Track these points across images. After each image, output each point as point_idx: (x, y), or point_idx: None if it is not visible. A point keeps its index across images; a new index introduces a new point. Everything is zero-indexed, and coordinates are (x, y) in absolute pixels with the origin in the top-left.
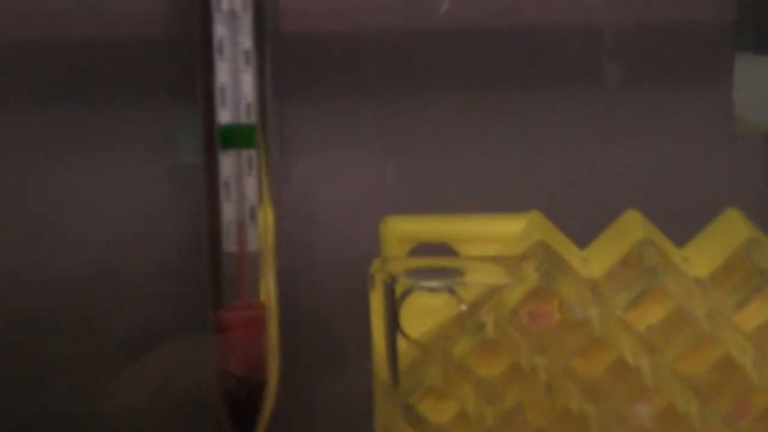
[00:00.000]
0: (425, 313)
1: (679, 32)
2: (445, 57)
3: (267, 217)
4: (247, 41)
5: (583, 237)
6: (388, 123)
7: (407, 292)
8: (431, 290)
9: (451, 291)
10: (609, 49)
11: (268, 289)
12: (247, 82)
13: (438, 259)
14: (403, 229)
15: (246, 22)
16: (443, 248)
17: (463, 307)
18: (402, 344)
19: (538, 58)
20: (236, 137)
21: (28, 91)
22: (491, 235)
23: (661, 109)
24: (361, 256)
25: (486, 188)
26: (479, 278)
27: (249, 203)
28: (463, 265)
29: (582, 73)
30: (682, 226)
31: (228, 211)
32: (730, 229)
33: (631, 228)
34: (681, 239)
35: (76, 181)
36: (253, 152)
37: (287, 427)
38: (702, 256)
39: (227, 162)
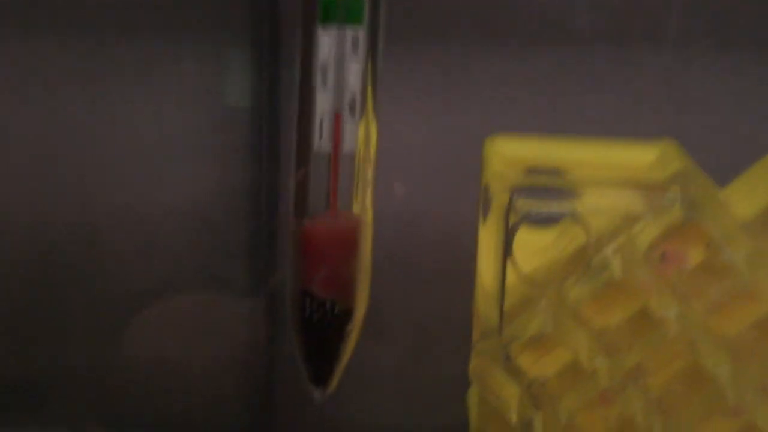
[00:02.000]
0: (533, 251)
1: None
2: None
3: (369, 115)
4: None
5: None
6: (454, 77)
7: (525, 217)
8: (552, 216)
9: (576, 218)
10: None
11: (364, 203)
12: None
13: (563, 180)
14: (512, 151)
15: None
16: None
17: (591, 239)
18: (507, 279)
19: (606, 15)
20: (340, 10)
21: (64, 22)
22: (617, 163)
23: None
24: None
25: None
26: (611, 206)
27: (350, 93)
28: (591, 189)
29: (655, 33)
30: None
31: (323, 101)
32: None
33: None
34: None
35: (115, 121)
36: (360, 31)
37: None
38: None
39: (327, 42)
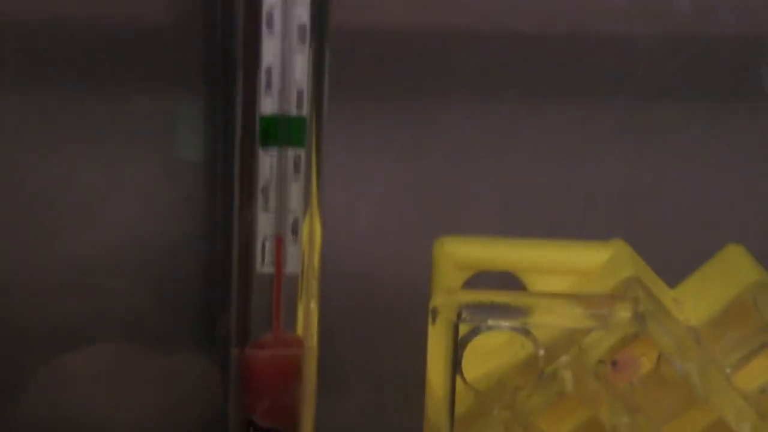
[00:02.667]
0: (483, 353)
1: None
2: (481, 59)
3: (314, 232)
4: (304, 13)
5: None
6: (413, 128)
7: (474, 333)
8: (503, 329)
9: (526, 333)
10: (658, 59)
11: (309, 322)
12: (301, 64)
13: (511, 295)
14: (461, 254)
15: None
16: (504, 278)
17: (542, 353)
18: (456, 390)
19: (579, 65)
20: (282, 132)
21: (14, 72)
22: (567, 267)
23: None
24: (378, 274)
25: (524, 207)
26: (560, 321)
27: (292, 215)
28: (540, 303)
29: (625, 82)
30: None
31: (265, 224)
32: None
33: (736, 266)
34: None
35: (62, 176)
36: (301, 152)
37: None
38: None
39: (268, 163)
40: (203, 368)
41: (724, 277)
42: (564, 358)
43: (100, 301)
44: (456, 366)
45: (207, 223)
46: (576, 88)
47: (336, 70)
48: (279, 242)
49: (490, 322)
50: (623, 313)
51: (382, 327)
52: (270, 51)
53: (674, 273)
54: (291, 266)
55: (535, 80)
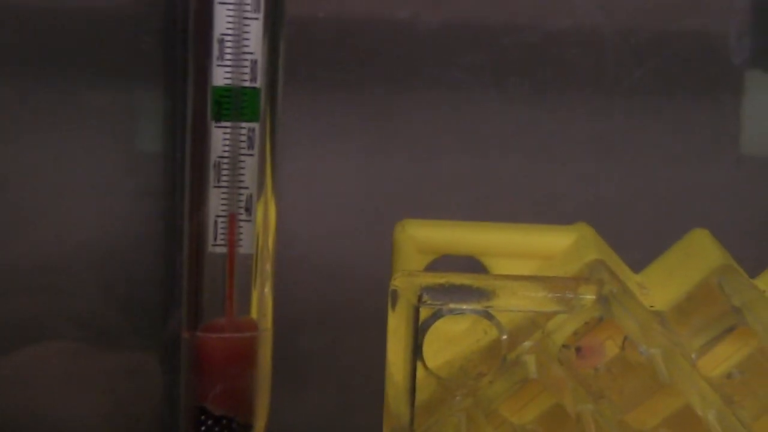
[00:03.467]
0: (444, 340)
1: (686, 45)
2: (450, 54)
3: (268, 210)
4: None
5: None
6: (377, 121)
7: (435, 317)
8: (464, 314)
9: (489, 317)
10: (619, 57)
11: (263, 305)
12: (255, 33)
13: (474, 277)
14: (424, 237)
15: None
16: (466, 264)
17: (505, 337)
18: (417, 376)
19: (545, 62)
20: (235, 105)
21: None
22: (531, 250)
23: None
24: (338, 266)
25: (488, 202)
26: (524, 304)
27: (246, 192)
28: (503, 286)
29: (586, 80)
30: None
31: (217, 201)
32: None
33: (701, 251)
34: None
35: (19, 167)
36: (255, 126)
37: None
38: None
39: (220, 137)
40: (159, 367)
41: (690, 261)
42: (527, 344)
43: (55, 300)
44: (417, 351)
45: (167, 220)
46: (543, 82)
47: (298, 61)
48: (232, 220)
49: (452, 306)
50: (587, 295)
51: (348, 322)
52: (222, 19)
53: (638, 262)
54: (245, 246)
55: (501, 74)
